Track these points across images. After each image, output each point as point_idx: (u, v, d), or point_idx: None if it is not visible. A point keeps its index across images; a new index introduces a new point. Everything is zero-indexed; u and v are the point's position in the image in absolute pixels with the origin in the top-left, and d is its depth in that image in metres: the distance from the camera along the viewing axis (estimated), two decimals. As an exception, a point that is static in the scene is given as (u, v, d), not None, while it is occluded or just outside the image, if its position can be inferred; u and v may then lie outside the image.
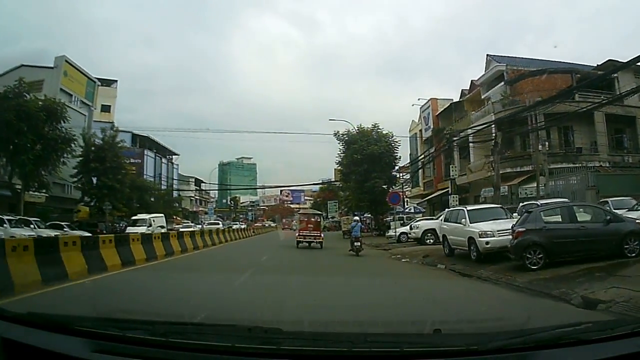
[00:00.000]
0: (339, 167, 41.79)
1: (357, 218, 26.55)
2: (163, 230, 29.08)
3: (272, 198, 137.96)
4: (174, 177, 74.86)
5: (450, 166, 28.24)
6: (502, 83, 33.13)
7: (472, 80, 42.76)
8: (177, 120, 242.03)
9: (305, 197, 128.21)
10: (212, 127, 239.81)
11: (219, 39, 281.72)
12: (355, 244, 20.33)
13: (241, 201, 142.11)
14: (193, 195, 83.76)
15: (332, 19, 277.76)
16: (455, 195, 26.75)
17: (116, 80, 68.65)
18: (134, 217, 36.49)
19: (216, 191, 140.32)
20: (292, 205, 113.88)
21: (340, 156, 40.56)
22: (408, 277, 13.22)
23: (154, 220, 35.23)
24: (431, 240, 22.77)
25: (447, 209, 17.29)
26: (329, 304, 7.50)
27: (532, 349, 2.01)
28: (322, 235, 25.90)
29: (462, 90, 43.84)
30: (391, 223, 34.30)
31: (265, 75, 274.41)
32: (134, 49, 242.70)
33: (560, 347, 2.04)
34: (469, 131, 31.60)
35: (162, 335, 2.20)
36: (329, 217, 76.96)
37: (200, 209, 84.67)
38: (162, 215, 38.95)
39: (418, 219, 30.49)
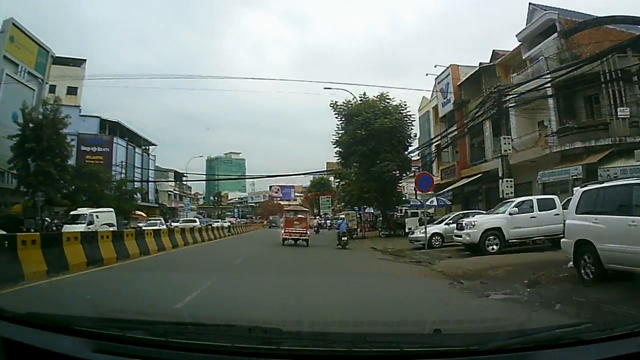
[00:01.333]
0: (337, 148, 31.32)
1: (342, 216, 28.80)
2: (112, 229, 23.89)
3: (261, 194, 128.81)
4: (150, 168, 65.06)
5: (502, 138, 19.50)
6: (555, 35, 24.47)
7: (494, 50, 34.22)
8: (171, 118, 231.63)
9: (296, 194, 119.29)
10: (209, 125, 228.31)
11: (214, 37, 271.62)
12: (343, 238, 22.82)
13: (229, 198, 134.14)
14: (172, 190, 73.89)
15: (323, 16, 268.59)
16: (509, 180, 18.15)
17: (85, 60, 59.25)
18: (72, 212, 27.57)
19: (200, 187, 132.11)
20: (281, 202, 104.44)
21: (338, 133, 30.84)
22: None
23: (97, 216, 26.62)
24: (494, 247, 14.01)
25: (579, 189, 8.67)
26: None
27: (532, 349, 1.93)
28: (308, 232, 25.17)
29: (480, 63, 35.05)
30: (407, 220, 25.80)
31: (258, 73, 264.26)
32: (126, 47, 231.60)
33: (560, 347, 1.95)
34: (509, 99, 22.97)
35: (162, 335, 2.12)
36: (322, 214, 68.57)
37: (180, 205, 75.21)
38: (112, 210, 30.03)
39: (450, 213, 21.67)
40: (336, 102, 30.91)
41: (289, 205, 71.43)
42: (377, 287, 9.63)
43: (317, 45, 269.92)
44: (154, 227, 27.03)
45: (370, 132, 27.98)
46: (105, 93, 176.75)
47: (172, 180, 68.69)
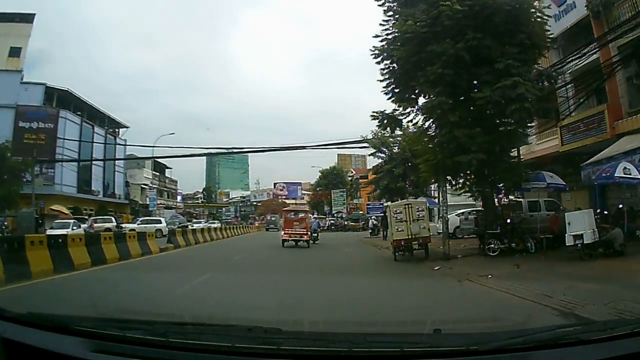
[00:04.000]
0: (383, 62, 14.81)
1: (316, 216, 31.51)
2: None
3: (266, 192, 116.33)
4: (113, 143, 50.38)
5: None
6: None
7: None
8: (174, 118, 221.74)
9: (303, 192, 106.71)
10: (209, 125, 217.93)
11: (218, 37, 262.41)
12: (313, 234, 25.73)
13: (231, 196, 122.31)
14: (149, 184, 59.26)
15: (328, 16, 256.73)
16: None
17: (34, 15, 47.72)
18: None
19: (200, 186, 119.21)
20: (287, 201, 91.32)
21: (388, 30, 14.76)
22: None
23: None
24: None
25: None
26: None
27: (532, 349, 1.90)
28: (309, 233, 24.50)
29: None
30: (570, 217, 11.41)
31: (263, 73, 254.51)
32: (132, 48, 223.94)
33: (560, 347, 1.92)
34: None
35: (162, 335, 2.10)
36: (334, 211, 55.27)
37: (160, 202, 60.92)
38: None
39: None
40: None
41: (295, 204, 58.46)
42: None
43: (322, 46, 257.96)
44: (58, 232, 20.50)
45: (470, 9, 12.84)
46: (106, 93, 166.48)
47: (127, 157, 51.91)
